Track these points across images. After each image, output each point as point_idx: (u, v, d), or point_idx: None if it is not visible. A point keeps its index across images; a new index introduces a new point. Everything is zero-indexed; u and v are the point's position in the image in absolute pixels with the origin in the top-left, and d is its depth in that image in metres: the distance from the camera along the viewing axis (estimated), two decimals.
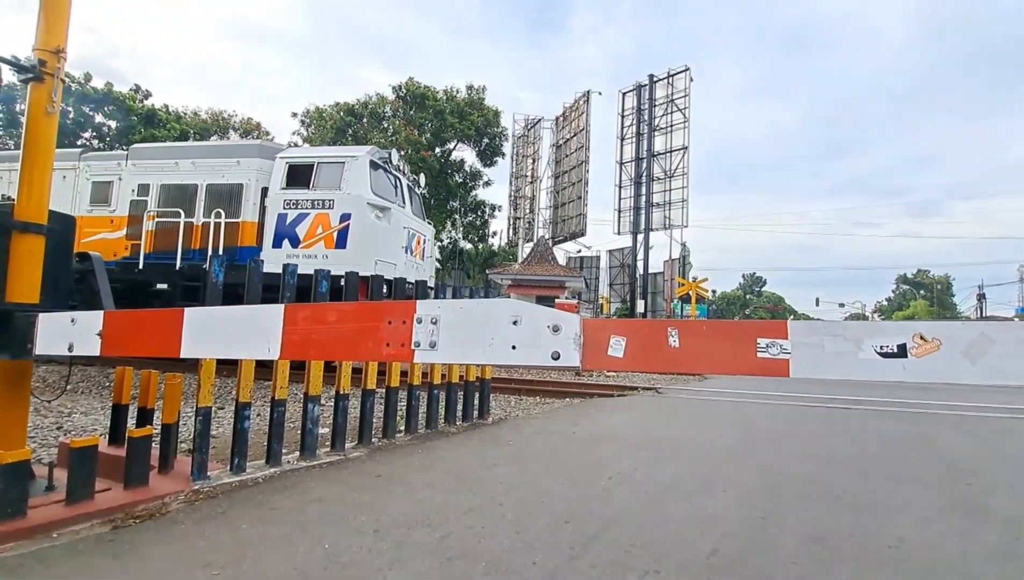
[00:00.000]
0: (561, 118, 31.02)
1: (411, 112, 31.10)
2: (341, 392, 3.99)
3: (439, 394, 5.11)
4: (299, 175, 8.80)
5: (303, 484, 3.19)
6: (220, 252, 8.61)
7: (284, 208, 8.70)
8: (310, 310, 1.90)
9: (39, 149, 2.58)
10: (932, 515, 2.94)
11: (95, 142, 27.33)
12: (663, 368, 1.50)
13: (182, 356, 1.98)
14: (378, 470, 3.56)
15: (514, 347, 1.47)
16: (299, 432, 3.88)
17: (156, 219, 9.26)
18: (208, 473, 3.11)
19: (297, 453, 3.76)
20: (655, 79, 27.08)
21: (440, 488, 3.19)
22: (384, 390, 4.56)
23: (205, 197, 9.31)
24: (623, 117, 28.70)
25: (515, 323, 1.47)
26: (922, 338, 1.10)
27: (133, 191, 9.66)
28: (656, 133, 26.72)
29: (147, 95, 29.81)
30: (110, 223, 9.70)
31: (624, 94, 28.71)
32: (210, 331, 1.99)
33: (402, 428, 4.76)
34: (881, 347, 1.12)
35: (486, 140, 33.07)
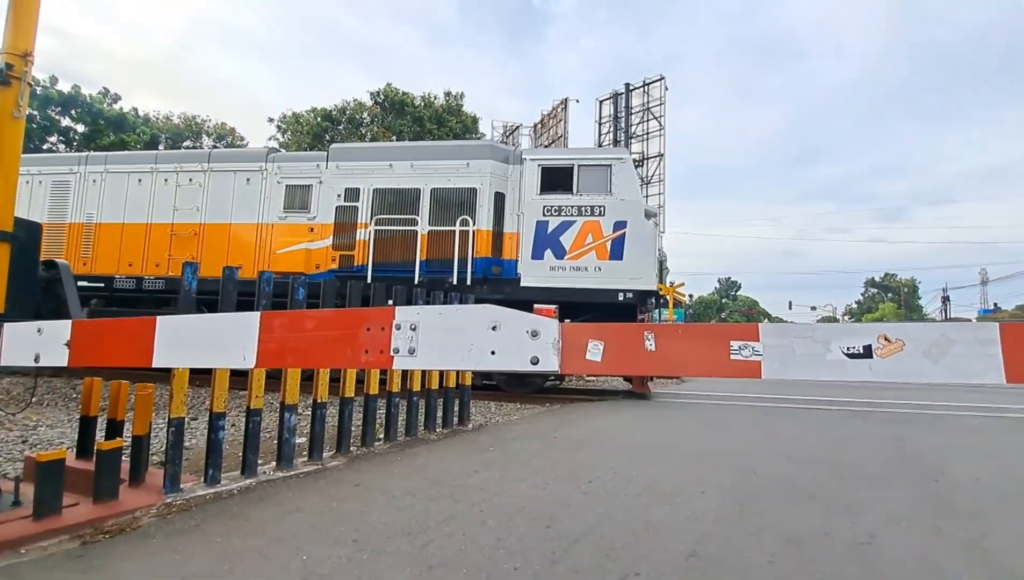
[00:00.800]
0: (539, 125, 31.26)
1: (389, 118, 30.97)
2: (319, 400, 3.93)
3: (418, 401, 5.08)
4: (555, 179, 8.02)
5: (280, 495, 3.13)
6: (469, 263, 8.01)
7: (544, 215, 7.90)
8: (287, 317, 1.88)
9: (5, 154, 2.50)
10: (902, 512, 3.03)
11: (61, 146, 26.52)
12: (641, 371, 1.53)
13: (154, 366, 1.94)
14: (357, 479, 3.52)
15: (493, 353, 1.48)
16: (275, 442, 3.81)
17: (373, 227, 8.43)
18: (181, 485, 3.03)
19: (274, 463, 3.69)
20: (631, 88, 27.51)
21: (420, 496, 3.17)
22: (363, 398, 4.51)
23: (430, 203, 8.47)
24: (600, 124, 29.04)
25: (494, 329, 1.48)
26: (887, 339, 1.14)
27: (339, 196, 8.82)
28: (633, 140, 27.10)
29: (116, 98, 29.07)
30: (309, 232, 8.84)
31: (601, 102, 29.07)
32: (184, 340, 1.95)
33: (381, 436, 4.71)
34: (848, 348, 1.16)
35: None
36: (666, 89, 26.38)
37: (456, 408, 5.63)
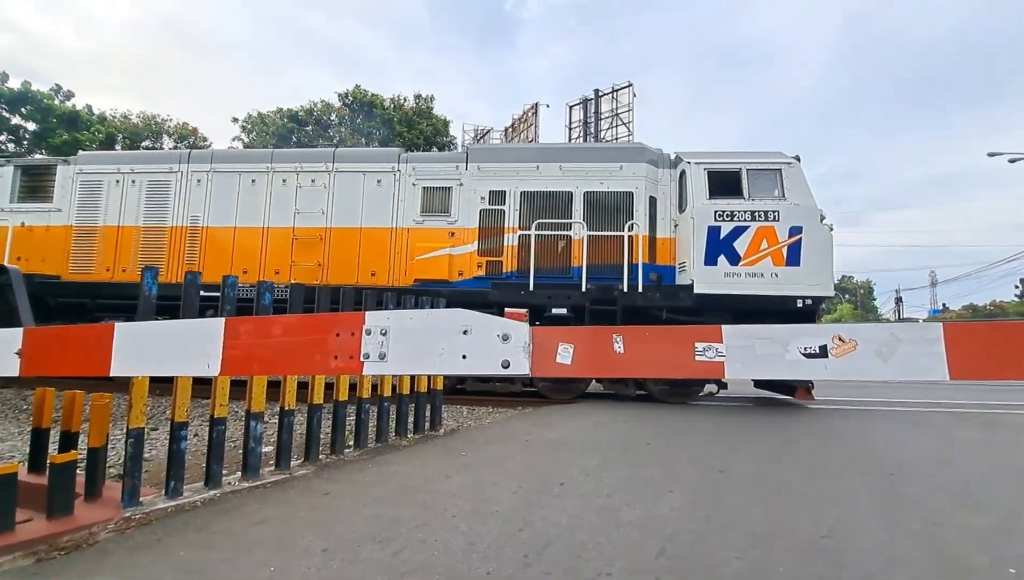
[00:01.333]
0: (510, 129, 31.40)
1: (358, 120, 30.61)
2: (286, 408, 3.85)
3: (389, 407, 5.02)
4: (723, 183, 7.73)
5: (246, 506, 3.05)
6: (640, 269, 7.78)
7: (716, 220, 7.55)
8: (253, 323, 1.85)
9: None
10: (859, 505, 3.15)
11: (11, 145, 25.25)
12: (609, 373, 1.56)
13: (112, 374, 1.87)
14: (326, 487, 3.46)
15: (465, 357, 1.49)
16: (241, 452, 3.71)
17: (534, 232, 8.07)
18: (141, 499, 2.93)
19: (239, 474, 3.59)
20: (600, 93, 27.91)
21: (391, 503, 3.14)
22: (332, 404, 4.44)
23: (585, 207, 8.20)
24: (570, 129, 29.34)
25: (465, 333, 1.49)
26: (841, 339, 1.20)
27: (483, 199, 8.45)
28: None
29: (68, 95, 27.88)
30: (450, 236, 8.43)
31: (571, 107, 29.39)
32: (144, 347, 1.89)
33: (351, 443, 4.64)
34: (805, 348, 1.21)
35: (435, 150, 32.98)
36: (634, 96, 26.86)
37: (428, 413, 5.59)
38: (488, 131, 32.40)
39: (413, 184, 8.68)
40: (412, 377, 5.26)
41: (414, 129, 30.70)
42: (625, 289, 7.70)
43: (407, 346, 1.55)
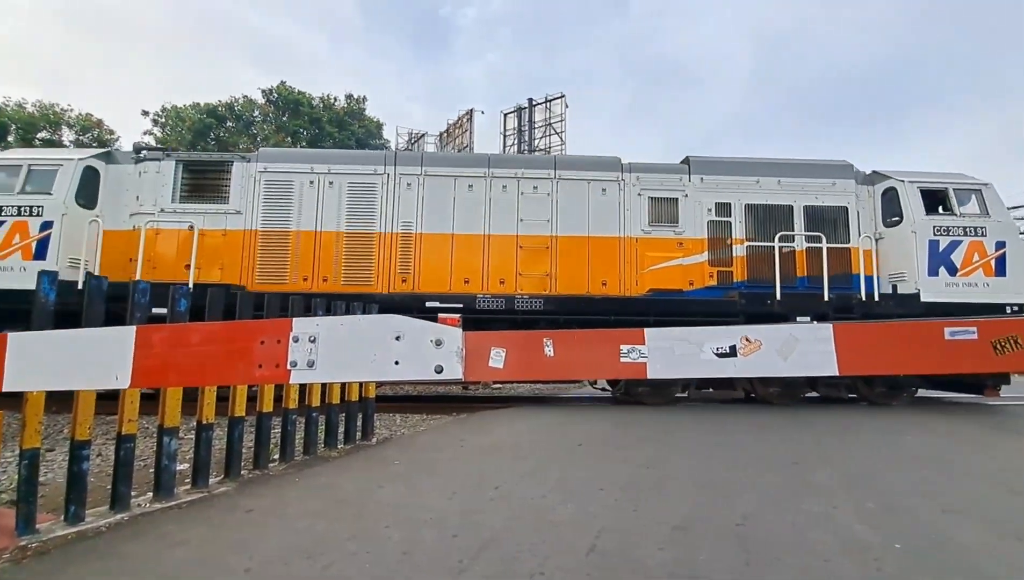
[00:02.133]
0: (445, 134, 31.28)
1: (283, 118, 29.34)
2: (204, 422, 3.62)
3: (318, 417, 4.84)
4: (931, 199, 8.42)
5: (160, 528, 2.84)
6: (872, 280, 8.30)
7: (934, 235, 8.20)
8: (168, 331, 1.74)
9: None
10: (771, 493, 3.41)
11: None
12: (541, 376, 1.61)
13: (5, 389, 1.70)
14: (250, 504, 3.28)
15: (397, 362, 1.49)
16: (152, 471, 3.45)
17: (748, 243, 8.49)
18: (37, 526, 2.65)
19: (151, 494, 3.33)
20: (534, 103, 28.46)
21: (321, 516, 3.03)
22: (255, 416, 4.22)
23: (804, 220, 8.65)
24: (505, 136, 29.69)
25: (398, 338, 1.49)
26: (748, 340, 1.32)
27: (710, 210, 8.60)
28: (536, 153, 28.02)
29: None
30: (678, 246, 8.52)
31: (506, 115, 29.74)
32: (40, 359, 1.73)
33: (276, 457, 4.43)
34: (717, 349, 1.32)
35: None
36: (566, 107, 27.63)
37: (359, 423, 5.44)
38: (423, 135, 32.11)
39: (638, 194, 8.74)
40: (343, 385, 5.11)
41: (345, 130, 29.85)
42: (863, 298, 8.26)
43: (338, 353, 1.52)
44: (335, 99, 30.84)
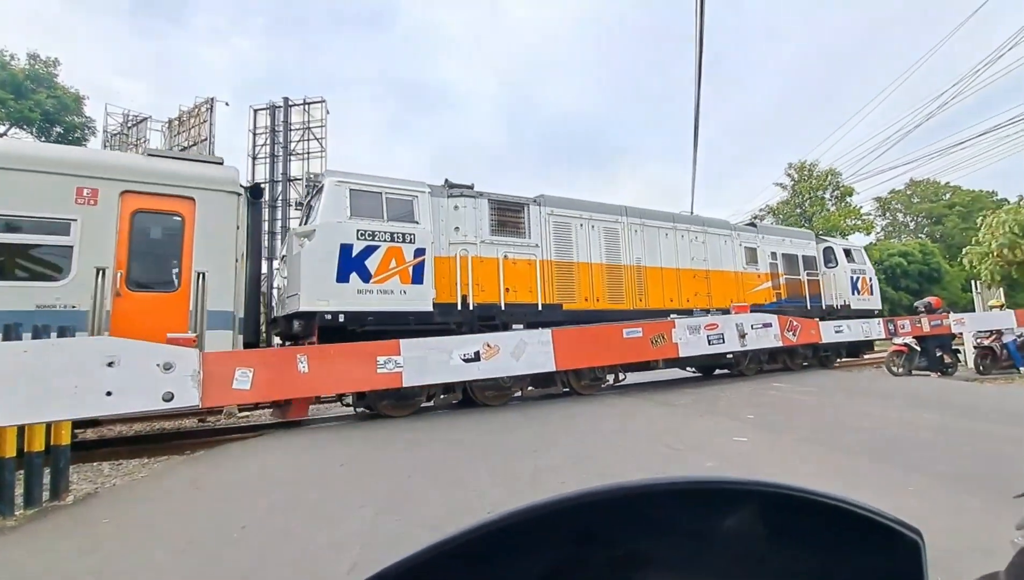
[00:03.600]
0: (177, 122, 26.60)
1: None
2: None
3: None
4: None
5: None
6: None
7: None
8: None
9: None
10: (516, 480, 3.85)
11: None
12: (294, 394, 1.55)
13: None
14: None
15: (110, 393, 1.25)
16: None
17: (784, 277, 13.29)
18: None
19: None
20: (291, 103, 26.43)
21: None
22: None
23: (802, 263, 13.79)
24: (255, 134, 26.79)
25: (111, 365, 1.26)
26: (489, 346, 1.51)
27: (770, 255, 13.26)
28: (292, 158, 26.02)
29: None
30: (757, 277, 12.82)
31: (256, 111, 26.84)
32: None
33: None
34: (464, 355, 1.48)
35: (59, 130, 25.36)
36: (327, 112, 26.40)
37: (47, 478, 4.21)
38: (146, 119, 26.70)
39: (739, 245, 12.97)
40: (20, 429, 3.86)
41: (26, 99, 22.92)
42: None
43: (18, 389, 1.21)
44: (13, 57, 23.46)
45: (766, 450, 4.86)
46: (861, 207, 38.55)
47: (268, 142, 26.77)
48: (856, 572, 0.48)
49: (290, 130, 26.69)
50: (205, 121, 25.38)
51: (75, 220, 6.39)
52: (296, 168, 26.13)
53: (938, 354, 11.06)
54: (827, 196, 38.49)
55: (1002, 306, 13.79)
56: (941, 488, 3.67)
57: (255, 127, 27.10)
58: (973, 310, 16.60)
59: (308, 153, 26.39)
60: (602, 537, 0.43)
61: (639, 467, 4.28)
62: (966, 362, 12.19)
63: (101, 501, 4.20)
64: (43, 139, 25.10)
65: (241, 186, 7.75)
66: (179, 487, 4.42)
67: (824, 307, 13.80)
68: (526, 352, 1.47)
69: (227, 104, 25.99)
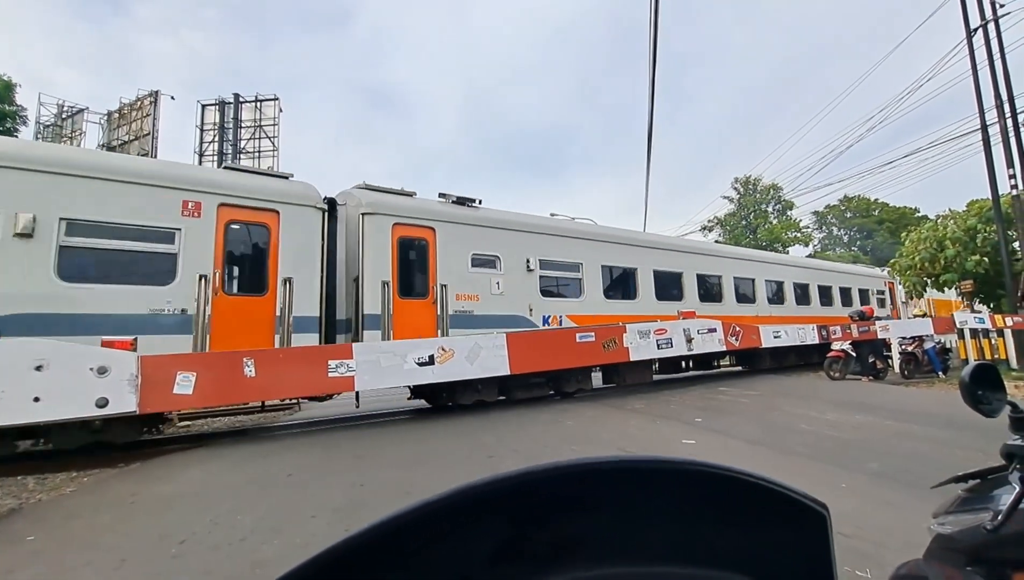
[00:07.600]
0: (117, 115, 25.21)
1: None
2: None
3: None
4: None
5: None
6: None
7: None
8: None
9: None
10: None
11: None
12: (240, 399, 1.50)
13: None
14: None
15: (38, 399, 1.18)
16: None
17: None
18: None
19: None
20: (241, 100, 25.55)
21: None
22: None
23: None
24: (203, 131, 25.73)
25: (39, 368, 1.19)
26: (443, 350, 1.51)
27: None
28: (243, 156, 25.11)
29: None
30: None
31: (204, 106, 25.83)
32: None
33: None
34: (419, 359, 1.48)
35: None
36: (280, 111, 25.69)
37: None
38: (82, 110, 25.18)
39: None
40: None
41: None
42: None
43: None
44: None
45: (716, 452, 5.04)
46: (801, 220, 40.76)
47: (217, 139, 25.77)
48: (772, 544, 0.53)
49: (240, 128, 25.79)
50: (148, 115, 24.19)
51: (179, 229, 6.91)
52: (246, 165, 25.23)
53: (871, 360, 11.78)
54: (770, 209, 40.48)
55: (924, 315, 14.84)
56: (871, 485, 3.92)
57: (203, 123, 26.05)
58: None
59: (259, 151, 25.58)
60: (538, 517, 0.45)
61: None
62: (894, 367, 13.07)
63: (25, 517, 3.91)
64: None
65: (324, 201, 8.41)
66: (112, 502, 4.16)
67: None
68: (480, 356, 1.47)
69: (172, 98, 24.94)
